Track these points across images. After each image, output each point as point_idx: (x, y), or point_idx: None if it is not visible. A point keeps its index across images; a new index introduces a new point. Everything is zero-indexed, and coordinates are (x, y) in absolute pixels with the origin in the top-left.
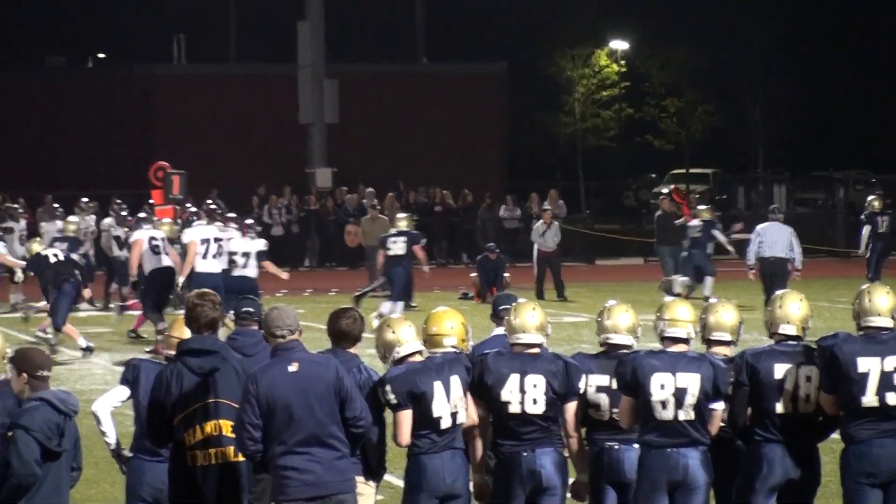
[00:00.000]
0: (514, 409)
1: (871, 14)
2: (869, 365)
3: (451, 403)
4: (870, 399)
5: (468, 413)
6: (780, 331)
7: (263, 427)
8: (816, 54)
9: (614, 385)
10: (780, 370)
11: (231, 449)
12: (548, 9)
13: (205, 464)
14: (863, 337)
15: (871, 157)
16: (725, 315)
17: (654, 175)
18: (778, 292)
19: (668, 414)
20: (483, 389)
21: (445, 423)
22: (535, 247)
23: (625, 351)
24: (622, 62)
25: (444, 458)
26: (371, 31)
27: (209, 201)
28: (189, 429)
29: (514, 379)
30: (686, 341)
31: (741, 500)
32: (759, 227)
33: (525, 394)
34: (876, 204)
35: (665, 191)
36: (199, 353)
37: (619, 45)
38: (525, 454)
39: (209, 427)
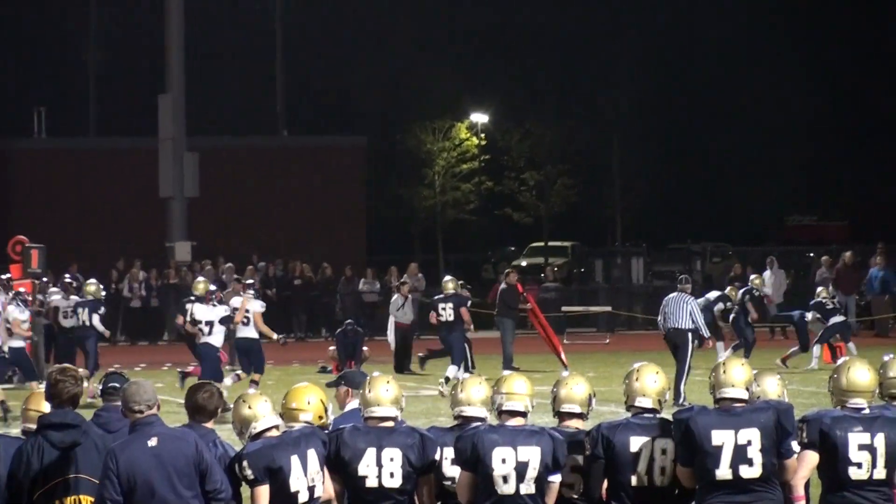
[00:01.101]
0: (372, 483)
1: (730, 90)
2: (723, 438)
3: (309, 478)
4: (724, 472)
5: (325, 488)
6: (637, 403)
7: (125, 503)
8: (676, 127)
9: None
10: (635, 443)
11: None
12: (408, 82)
13: None
14: (717, 409)
15: (728, 229)
16: (576, 388)
17: (513, 248)
18: (635, 365)
19: (509, 488)
20: (340, 464)
21: (303, 498)
22: (392, 320)
23: (477, 424)
24: (482, 135)
25: None
26: (232, 104)
27: (67, 275)
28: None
29: (370, 453)
30: (524, 414)
31: None
32: (665, 298)
33: (382, 468)
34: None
35: (509, 272)
36: (59, 427)
37: (479, 118)
38: None
39: (69, 502)
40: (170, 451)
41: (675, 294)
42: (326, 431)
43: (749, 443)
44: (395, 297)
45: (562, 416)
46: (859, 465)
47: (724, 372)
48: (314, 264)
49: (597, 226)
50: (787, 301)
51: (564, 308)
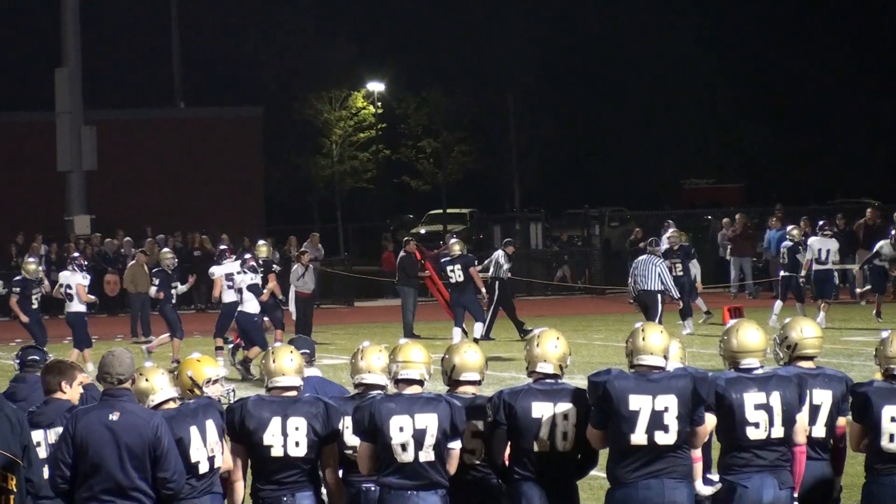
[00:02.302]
0: (277, 452)
1: (625, 55)
2: (640, 403)
3: (208, 448)
4: (639, 437)
5: (224, 458)
6: (538, 369)
7: (74, 467)
8: (572, 93)
9: None
10: (537, 409)
11: (5, 498)
12: (304, 52)
13: None
14: (635, 374)
15: (625, 194)
16: (469, 355)
17: (411, 216)
18: (535, 331)
19: (408, 456)
20: (245, 434)
21: (203, 468)
22: (293, 290)
23: (376, 392)
24: (378, 104)
25: (204, 503)
26: (128, 76)
27: None
28: None
29: (275, 422)
30: (420, 383)
31: None
32: (635, 261)
33: (287, 437)
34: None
35: (408, 240)
36: None
37: (376, 86)
38: (286, 498)
39: None
40: (127, 428)
41: (644, 257)
42: (233, 402)
43: (666, 409)
44: (295, 266)
45: (457, 383)
46: (756, 425)
47: (643, 339)
48: (213, 236)
49: (495, 192)
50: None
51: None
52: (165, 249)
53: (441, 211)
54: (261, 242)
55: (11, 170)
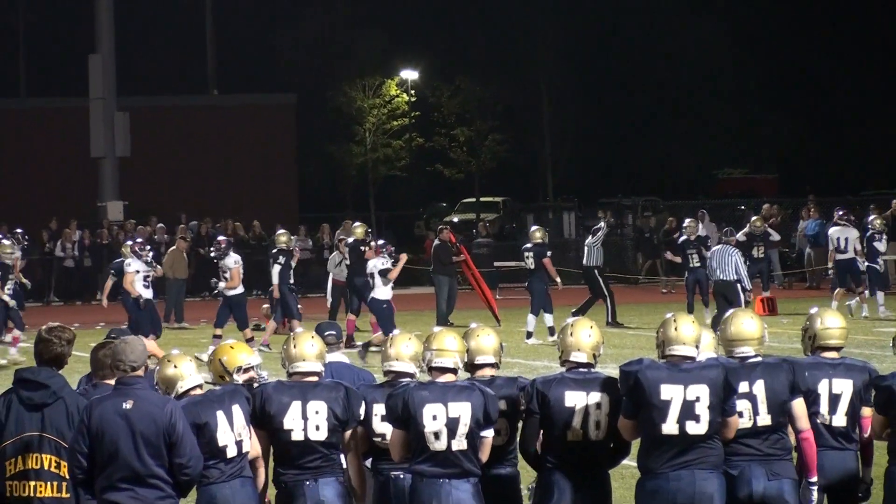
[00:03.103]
0: (298, 436)
1: (657, 46)
2: (672, 392)
3: (236, 432)
4: (670, 427)
5: (252, 444)
6: (572, 358)
7: (91, 458)
8: (605, 82)
9: None
10: (570, 398)
11: (50, 485)
12: (337, 40)
13: (21, 495)
14: (667, 364)
15: (659, 183)
16: (485, 339)
17: (444, 204)
18: (569, 320)
19: (441, 445)
20: (265, 419)
21: (231, 452)
22: (330, 276)
23: (406, 380)
24: (412, 92)
25: (235, 487)
26: (162, 63)
27: None
28: (11, 458)
29: (295, 406)
30: (454, 371)
31: None
32: (711, 250)
33: (308, 420)
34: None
35: (445, 226)
36: (30, 384)
37: (409, 74)
38: (308, 483)
39: (31, 460)
40: (141, 416)
41: (719, 246)
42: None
43: (697, 399)
44: (333, 254)
45: (475, 367)
46: (740, 414)
47: (676, 329)
48: (246, 223)
49: (528, 181)
50: None
51: (497, 263)
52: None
53: (474, 199)
54: (280, 231)
55: (45, 155)
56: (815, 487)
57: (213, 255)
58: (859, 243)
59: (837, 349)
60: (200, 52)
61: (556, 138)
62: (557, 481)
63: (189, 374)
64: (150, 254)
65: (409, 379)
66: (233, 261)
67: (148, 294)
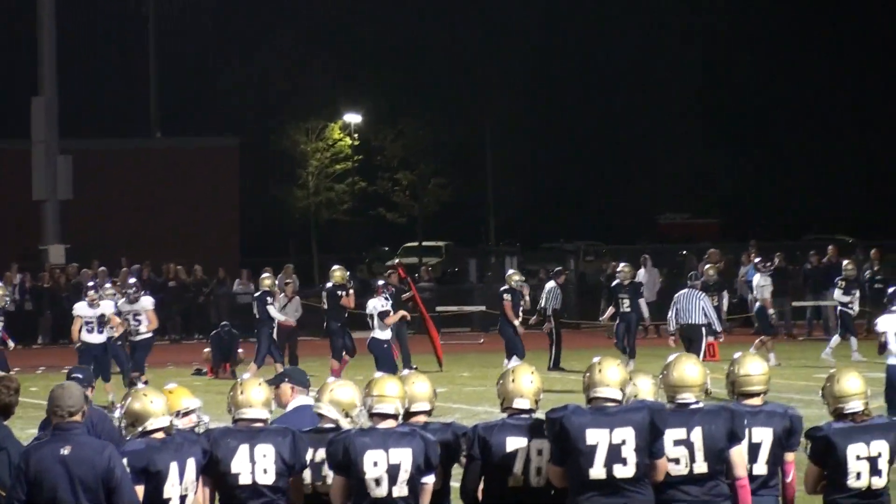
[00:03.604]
0: (245, 479)
1: (597, 90)
2: (598, 437)
3: (183, 486)
4: (598, 471)
5: (197, 497)
6: (514, 405)
7: None
8: (546, 128)
9: None
10: (512, 443)
11: None
12: (281, 83)
13: None
14: (591, 408)
15: (601, 228)
16: (419, 386)
17: (387, 248)
18: (510, 366)
19: (381, 491)
20: (213, 463)
21: None
22: (276, 321)
23: (330, 425)
24: (355, 135)
25: None
26: (105, 106)
27: None
28: None
29: (243, 450)
30: (395, 417)
31: None
32: (676, 294)
33: (255, 464)
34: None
35: (394, 262)
36: None
37: (353, 118)
38: None
39: None
40: (80, 461)
41: (685, 290)
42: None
43: (623, 442)
44: (279, 297)
45: (410, 414)
46: (677, 461)
47: (600, 371)
48: (188, 266)
49: (470, 225)
50: (660, 299)
51: (439, 308)
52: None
53: (416, 244)
54: (265, 275)
55: None
56: None
57: (127, 299)
58: (767, 292)
59: (759, 395)
60: (144, 94)
61: (498, 182)
62: None
63: (159, 413)
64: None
65: (332, 424)
66: (150, 302)
67: (93, 339)
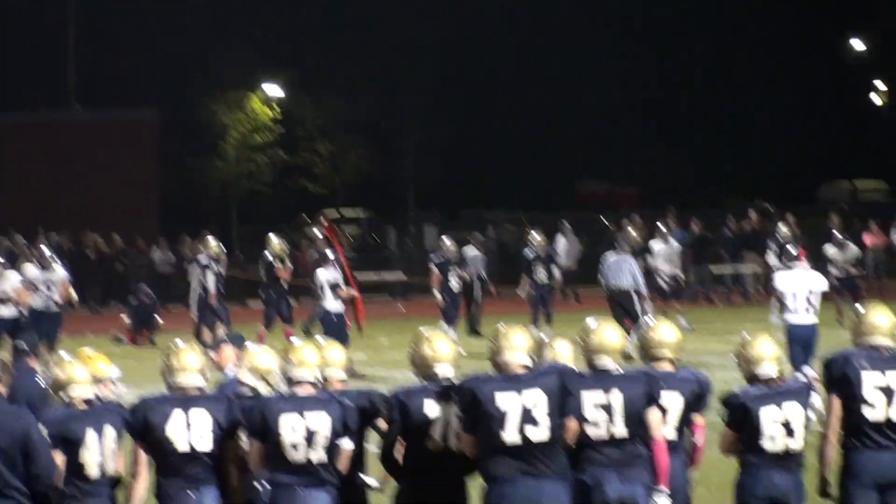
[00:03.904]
0: (182, 446)
1: (517, 58)
2: (509, 401)
3: (102, 455)
4: (511, 436)
5: (116, 466)
6: (435, 370)
7: None
8: (466, 98)
9: None
10: (431, 408)
11: None
12: (201, 55)
13: None
14: (501, 375)
15: (520, 196)
16: (334, 354)
17: (308, 218)
18: (426, 333)
19: (299, 456)
20: (148, 429)
21: (92, 473)
22: (193, 290)
23: (249, 394)
24: (276, 107)
25: None
26: (23, 79)
27: None
28: None
29: (178, 415)
30: (313, 383)
31: None
32: (607, 260)
33: (191, 429)
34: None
35: (318, 231)
36: None
37: (273, 89)
38: (191, 494)
39: None
40: None
41: (615, 256)
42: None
43: (535, 406)
44: (192, 265)
45: (326, 381)
46: (596, 424)
47: (506, 337)
48: (107, 237)
49: (391, 195)
50: (580, 267)
51: (359, 276)
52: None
53: (336, 214)
54: (209, 238)
55: None
56: (666, 494)
57: (41, 268)
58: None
59: (670, 360)
60: (62, 67)
61: (418, 151)
62: (417, 491)
63: (82, 381)
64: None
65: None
66: (64, 275)
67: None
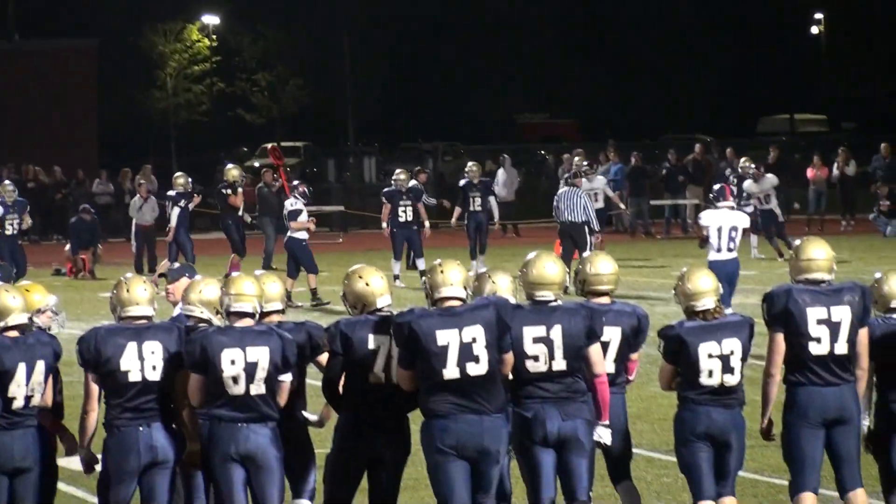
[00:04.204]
0: (135, 377)
1: None
2: (448, 337)
3: (30, 387)
4: (451, 371)
5: (44, 397)
6: (378, 304)
7: None
8: (405, 28)
9: None
10: (373, 340)
11: None
12: None
13: None
14: (438, 310)
15: (459, 128)
16: (271, 287)
17: (246, 149)
18: (354, 267)
19: (239, 389)
20: (101, 361)
21: (17, 404)
22: (133, 221)
23: (203, 326)
24: (213, 37)
25: (15, 436)
26: None
27: None
28: None
29: (131, 347)
30: (252, 315)
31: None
32: (558, 193)
33: (144, 361)
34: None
35: (255, 164)
36: None
37: (210, 19)
38: (141, 428)
39: None
40: None
41: (566, 188)
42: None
43: (474, 340)
44: (134, 198)
45: (266, 314)
46: (536, 359)
47: (442, 272)
48: (47, 168)
49: (330, 127)
50: (519, 199)
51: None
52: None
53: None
54: (177, 174)
55: None
56: (608, 429)
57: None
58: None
59: (608, 294)
60: None
61: (357, 83)
62: (358, 423)
63: (17, 310)
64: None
65: (205, 325)
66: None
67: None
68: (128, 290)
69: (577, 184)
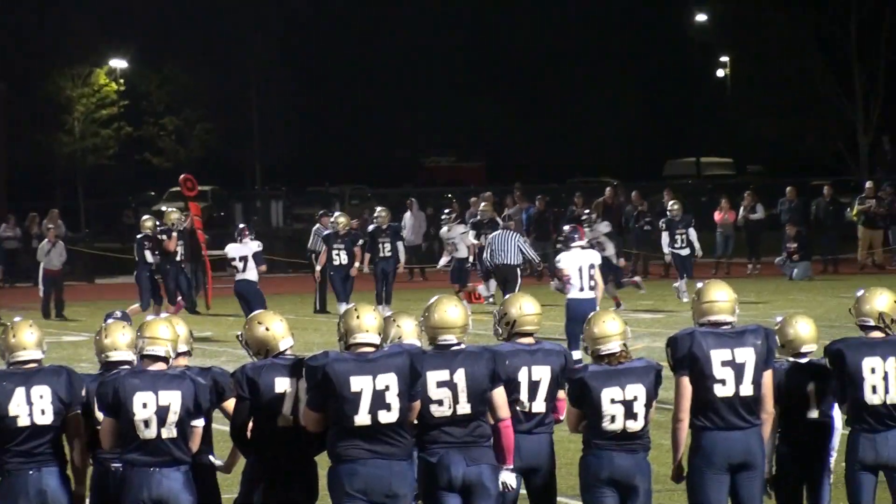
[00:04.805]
0: (24, 422)
1: (362, 34)
2: (362, 384)
3: None
4: (363, 418)
5: None
6: (281, 347)
7: None
8: (311, 73)
9: None
10: (280, 384)
11: None
12: (46, 27)
13: None
14: (353, 355)
15: (366, 172)
16: (177, 329)
17: (153, 193)
18: (252, 315)
19: (150, 433)
20: None
21: None
22: (41, 266)
23: (124, 367)
24: (121, 81)
25: None
26: None
27: None
28: None
29: (19, 392)
30: (165, 359)
31: None
32: (490, 236)
33: (33, 405)
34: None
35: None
36: None
37: (118, 63)
38: (31, 473)
39: None
40: None
41: (499, 231)
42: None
43: (387, 388)
44: (43, 242)
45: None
46: (440, 403)
47: (357, 317)
48: None
49: (237, 170)
50: (426, 242)
51: (206, 252)
52: None
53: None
54: (145, 217)
55: None
56: (514, 473)
57: None
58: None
59: (532, 334)
60: None
61: (263, 127)
62: (266, 467)
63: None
64: None
65: (126, 367)
66: None
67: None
68: (14, 336)
69: (510, 227)
